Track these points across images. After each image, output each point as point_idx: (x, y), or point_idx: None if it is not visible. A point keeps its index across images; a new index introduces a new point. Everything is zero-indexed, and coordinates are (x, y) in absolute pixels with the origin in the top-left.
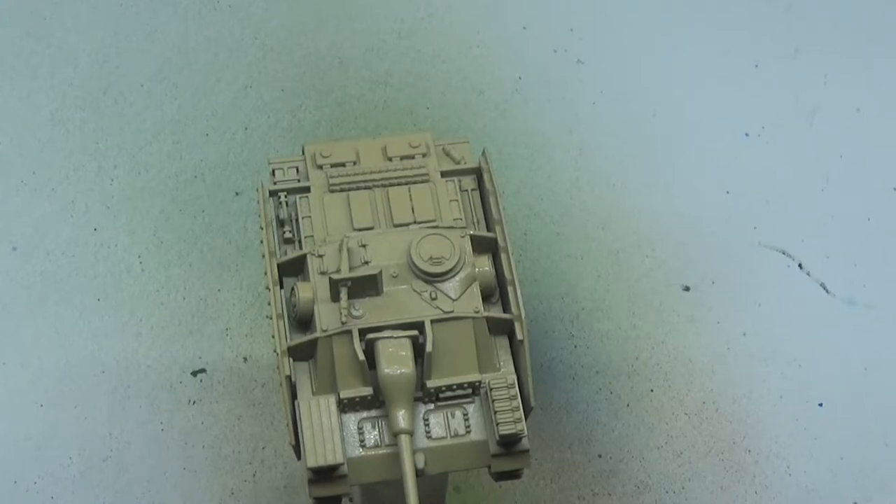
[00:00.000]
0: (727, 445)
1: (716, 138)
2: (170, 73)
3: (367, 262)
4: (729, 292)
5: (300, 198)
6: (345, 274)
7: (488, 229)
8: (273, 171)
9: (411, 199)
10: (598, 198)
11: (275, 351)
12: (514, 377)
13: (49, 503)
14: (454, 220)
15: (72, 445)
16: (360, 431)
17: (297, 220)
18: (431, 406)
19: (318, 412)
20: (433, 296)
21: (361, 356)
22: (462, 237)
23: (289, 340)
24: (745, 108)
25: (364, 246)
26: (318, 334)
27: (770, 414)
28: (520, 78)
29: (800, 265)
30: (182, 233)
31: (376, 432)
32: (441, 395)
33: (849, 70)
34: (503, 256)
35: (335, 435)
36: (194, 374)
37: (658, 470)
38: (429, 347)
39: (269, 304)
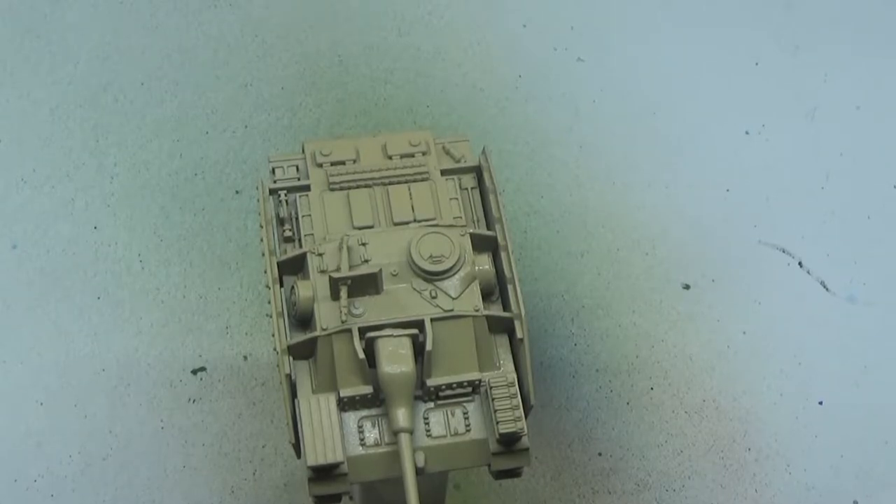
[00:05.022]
0: (727, 443)
1: (716, 136)
2: (170, 70)
3: (366, 261)
4: (729, 290)
5: (300, 196)
6: (345, 272)
7: (488, 227)
8: (273, 169)
9: (411, 198)
10: (599, 196)
11: (275, 349)
12: (514, 375)
13: (49, 501)
14: (454, 218)
15: (72, 443)
16: (360, 430)
17: (296, 218)
18: (431, 404)
19: (318, 410)
20: (433, 294)
21: (361, 354)
22: (462, 235)
23: (289, 339)
24: (746, 106)
25: (364, 244)
26: (318, 333)
27: (770, 412)
28: (520, 76)
29: (800, 263)
30: (182, 231)
31: (376, 431)
32: (441, 394)
33: (849, 68)
34: (503, 255)
35: (335, 433)
36: (194, 372)
37: (658, 468)
38: (429, 346)
39: (269, 302)
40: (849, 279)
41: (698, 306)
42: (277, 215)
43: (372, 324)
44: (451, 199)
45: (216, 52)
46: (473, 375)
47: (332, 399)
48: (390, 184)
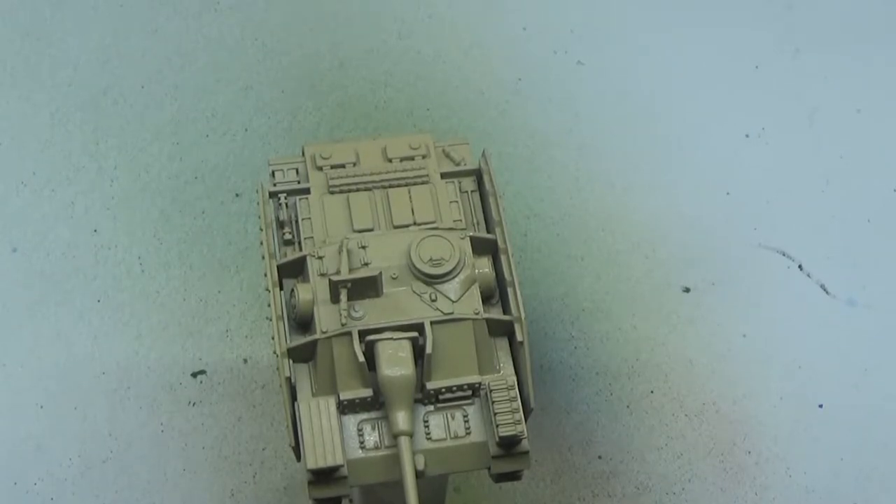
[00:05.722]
0: (727, 447)
1: (716, 139)
2: (170, 73)
3: (366, 264)
4: (729, 293)
5: (300, 199)
6: (345, 275)
7: (488, 231)
8: (273, 172)
9: (411, 201)
10: (599, 198)
11: (275, 352)
12: (514, 379)
13: None
14: (454, 221)
15: (72, 446)
16: (360, 433)
17: (296, 221)
18: (431, 407)
19: (318, 414)
20: (433, 297)
21: (361, 358)
22: (462, 239)
23: (289, 342)
24: (746, 109)
25: (364, 247)
26: (317, 336)
27: (770, 415)
28: (520, 79)
29: (800, 266)
30: (182, 234)
31: (376, 434)
32: (441, 397)
33: (849, 70)
34: (503, 258)
35: (335, 436)
36: (194, 375)
37: (658, 471)
38: (429, 349)
39: (268, 305)
40: (849, 282)
41: (698, 309)
42: (277, 218)
43: (372, 327)
44: (450, 202)
45: (216, 55)
46: (473, 378)
47: (332, 402)
48: (390, 187)
